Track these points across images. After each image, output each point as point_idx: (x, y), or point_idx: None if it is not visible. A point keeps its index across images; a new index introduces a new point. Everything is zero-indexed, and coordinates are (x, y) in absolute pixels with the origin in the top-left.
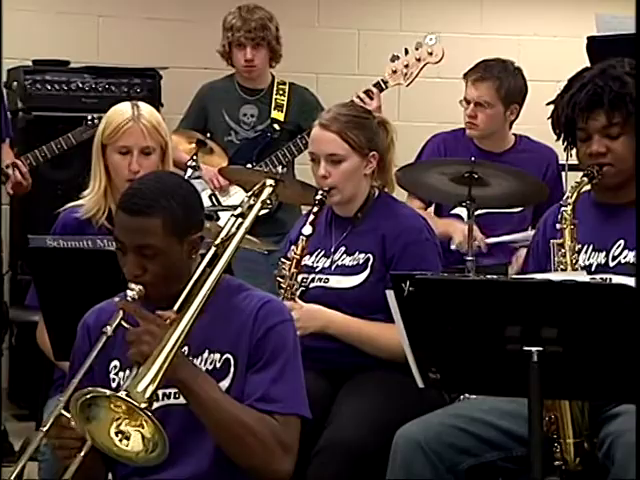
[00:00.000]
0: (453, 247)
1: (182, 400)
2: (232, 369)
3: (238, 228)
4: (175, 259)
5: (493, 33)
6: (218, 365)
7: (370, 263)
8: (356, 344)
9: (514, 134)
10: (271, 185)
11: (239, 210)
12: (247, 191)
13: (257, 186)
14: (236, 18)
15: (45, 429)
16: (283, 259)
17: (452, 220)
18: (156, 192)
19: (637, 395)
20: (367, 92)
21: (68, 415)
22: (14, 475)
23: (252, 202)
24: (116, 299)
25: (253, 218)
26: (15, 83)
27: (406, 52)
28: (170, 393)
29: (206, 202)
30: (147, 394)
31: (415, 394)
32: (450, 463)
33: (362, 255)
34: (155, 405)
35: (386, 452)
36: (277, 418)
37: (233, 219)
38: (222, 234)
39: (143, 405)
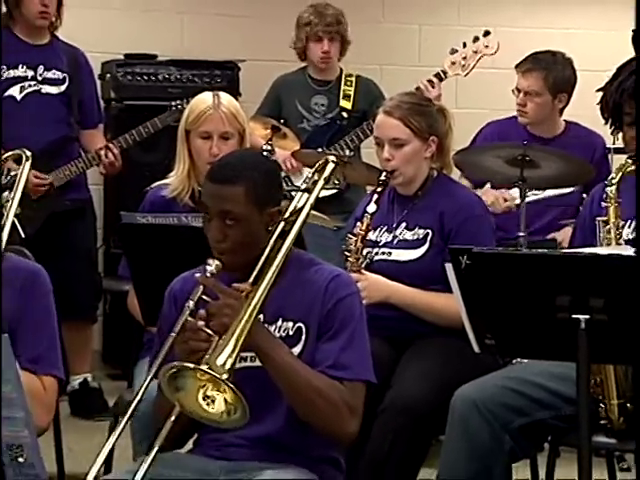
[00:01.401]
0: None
1: (257, 363)
2: (303, 337)
3: (305, 202)
4: (254, 228)
5: (545, 27)
6: (291, 333)
7: (429, 238)
8: (417, 313)
9: (565, 120)
10: (333, 161)
11: (305, 185)
12: None
13: (320, 163)
14: (313, 14)
15: (174, 333)
16: (350, 235)
17: (486, 189)
18: (241, 164)
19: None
20: (428, 81)
21: (195, 321)
22: (117, 432)
23: (316, 178)
24: (197, 274)
25: (318, 192)
26: (108, 75)
27: (464, 45)
28: (248, 357)
29: None
30: (227, 366)
31: (471, 358)
32: (504, 421)
33: (422, 230)
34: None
35: (444, 411)
36: (345, 384)
37: (300, 194)
38: (290, 208)
39: (224, 376)
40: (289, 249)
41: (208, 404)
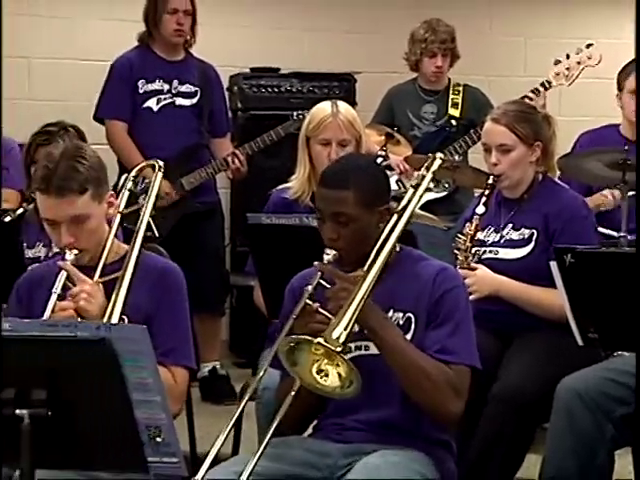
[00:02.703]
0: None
1: (372, 351)
2: (413, 326)
3: (413, 196)
4: (365, 227)
5: None
6: (401, 322)
7: (534, 237)
8: (523, 306)
9: None
10: (440, 158)
11: (415, 182)
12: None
13: (429, 160)
14: (428, 32)
15: (294, 316)
16: (459, 234)
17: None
18: (350, 169)
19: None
20: (534, 91)
21: (312, 304)
22: (238, 411)
23: (424, 173)
24: (316, 263)
25: (425, 186)
26: (235, 87)
27: (567, 56)
28: (362, 345)
29: (393, 186)
30: (341, 339)
31: (574, 351)
32: (606, 410)
33: (527, 230)
34: (349, 355)
35: (549, 401)
36: (452, 367)
37: (411, 189)
38: (403, 203)
39: (338, 349)
40: (398, 237)
41: (322, 377)
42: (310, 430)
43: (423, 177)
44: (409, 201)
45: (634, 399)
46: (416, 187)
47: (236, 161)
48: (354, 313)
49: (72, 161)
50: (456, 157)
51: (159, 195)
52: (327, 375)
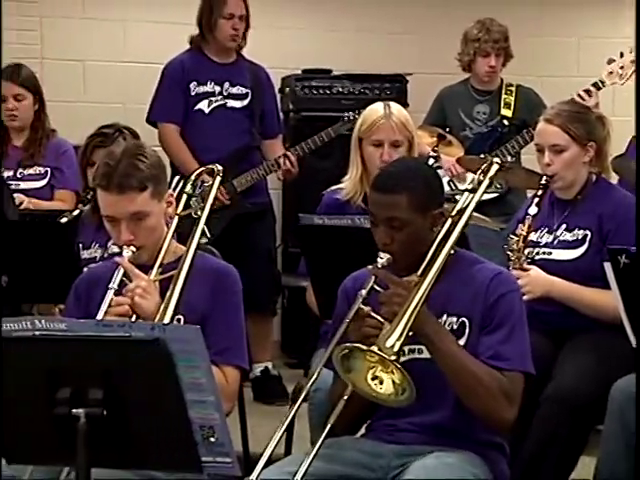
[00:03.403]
0: None
1: (425, 355)
2: (467, 331)
3: (470, 201)
4: (418, 230)
5: None
6: (455, 327)
7: (588, 238)
8: (576, 307)
9: None
10: (497, 163)
11: (471, 186)
12: None
13: (485, 165)
14: (482, 32)
15: (348, 320)
16: (512, 235)
17: None
18: (403, 173)
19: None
20: (586, 91)
21: (365, 308)
22: (292, 414)
23: (481, 178)
24: (369, 267)
25: (482, 191)
26: (287, 89)
27: (621, 55)
28: (415, 349)
29: (445, 187)
30: (395, 348)
31: (628, 352)
32: None
33: (581, 231)
34: (403, 359)
35: (603, 403)
36: (505, 374)
37: (466, 194)
38: (457, 207)
39: (392, 357)
40: (454, 244)
41: (377, 384)
42: (363, 431)
43: (480, 182)
44: (465, 206)
45: None
46: (472, 191)
47: (287, 162)
48: (409, 320)
49: (133, 159)
50: (509, 158)
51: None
52: (381, 382)
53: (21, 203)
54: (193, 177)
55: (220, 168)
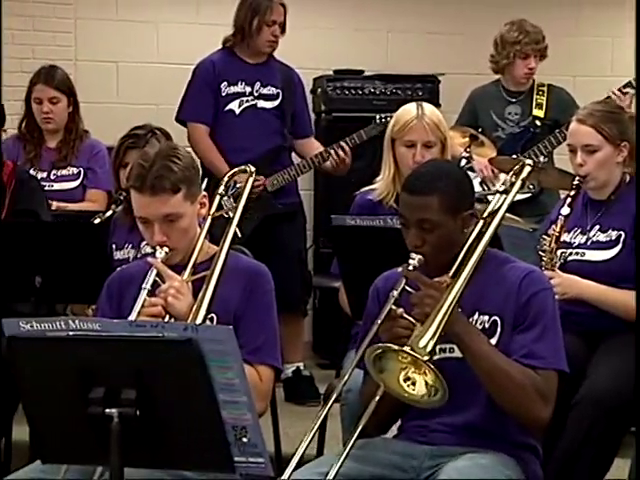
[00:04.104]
0: None
1: (457, 354)
2: (499, 330)
3: (502, 202)
4: (449, 232)
5: None
6: (487, 326)
7: (622, 239)
8: (609, 309)
9: None
10: (529, 165)
11: (503, 187)
12: None
13: (517, 166)
14: (521, 33)
15: (380, 320)
16: (544, 236)
17: None
18: (433, 175)
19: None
20: (620, 90)
21: (397, 309)
22: (323, 414)
23: (513, 180)
24: (399, 269)
25: (514, 194)
26: (319, 90)
27: None
28: (446, 348)
29: (477, 188)
30: (428, 348)
31: None
32: None
33: (614, 232)
34: (434, 358)
35: (637, 404)
36: (539, 372)
37: (498, 195)
38: (489, 208)
39: (425, 358)
40: (486, 246)
41: (409, 385)
42: (394, 431)
43: (512, 184)
44: (498, 207)
45: None
46: (504, 193)
47: (340, 152)
48: (441, 321)
49: (166, 161)
50: (541, 158)
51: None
52: (414, 383)
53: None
54: (226, 178)
55: (253, 169)
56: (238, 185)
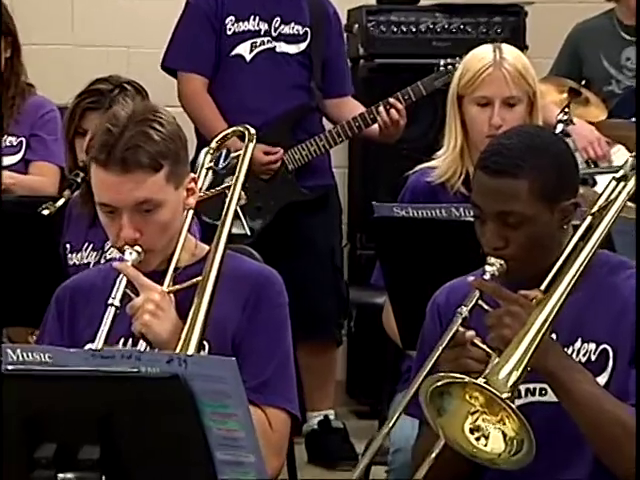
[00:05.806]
0: None
1: (550, 398)
2: (610, 362)
3: (619, 194)
4: (543, 229)
5: None
6: (593, 357)
7: None
8: None
9: None
10: None
11: (621, 172)
12: (631, 150)
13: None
14: None
15: (442, 346)
16: None
17: None
18: (523, 149)
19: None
20: None
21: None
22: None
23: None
24: (470, 278)
25: (635, 181)
26: (356, 26)
27: None
28: (535, 389)
29: (580, 164)
30: (510, 382)
31: None
32: None
33: None
34: (517, 403)
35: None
36: None
37: (613, 183)
38: (600, 201)
39: (505, 395)
40: (594, 249)
41: (477, 438)
42: None
43: (634, 167)
44: (613, 199)
45: None
46: (621, 180)
47: (393, 112)
48: (527, 351)
49: (143, 126)
50: None
51: (251, 173)
52: (486, 436)
53: None
54: (214, 144)
55: (253, 131)
56: (234, 155)
